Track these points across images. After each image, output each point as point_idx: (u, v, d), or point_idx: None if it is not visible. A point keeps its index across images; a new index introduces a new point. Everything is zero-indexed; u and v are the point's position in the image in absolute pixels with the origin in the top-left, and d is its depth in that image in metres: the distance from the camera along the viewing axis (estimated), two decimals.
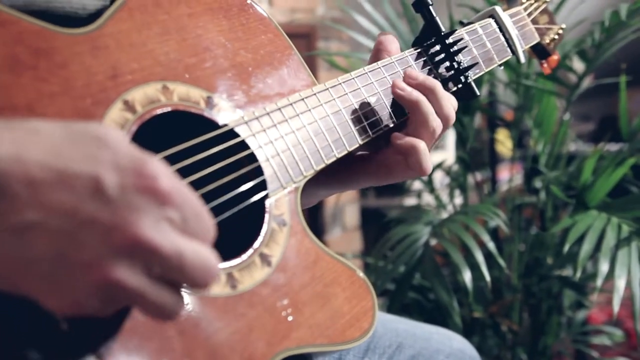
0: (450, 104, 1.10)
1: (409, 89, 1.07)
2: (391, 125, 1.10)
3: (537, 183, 2.64)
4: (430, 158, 1.08)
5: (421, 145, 1.06)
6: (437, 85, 1.09)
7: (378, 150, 1.13)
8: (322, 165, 0.99)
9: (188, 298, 0.76)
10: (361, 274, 0.97)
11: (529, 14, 1.42)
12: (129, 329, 0.70)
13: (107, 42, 0.81)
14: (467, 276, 2.09)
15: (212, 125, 0.89)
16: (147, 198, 0.61)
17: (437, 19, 1.19)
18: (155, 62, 0.85)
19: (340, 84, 1.05)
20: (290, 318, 0.86)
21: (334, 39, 4.01)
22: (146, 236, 0.60)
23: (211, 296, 0.79)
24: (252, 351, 0.80)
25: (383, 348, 1.32)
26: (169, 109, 0.84)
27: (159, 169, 0.63)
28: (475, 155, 2.93)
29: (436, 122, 1.07)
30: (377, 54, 1.17)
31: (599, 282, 1.98)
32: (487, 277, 2.08)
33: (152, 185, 0.61)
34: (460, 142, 2.55)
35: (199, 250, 0.64)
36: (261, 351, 0.81)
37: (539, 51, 1.47)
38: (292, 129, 0.96)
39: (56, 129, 0.61)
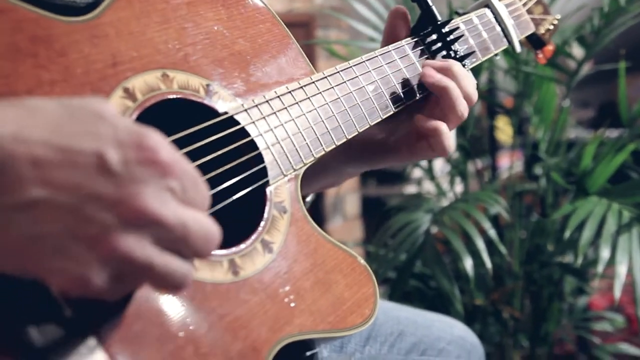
0: (470, 82, 1.12)
1: (438, 75, 1.10)
2: (390, 113, 1.10)
3: (538, 170, 2.65)
4: (453, 137, 1.10)
5: (444, 127, 1.08)
6: (457, 66, 1.11)
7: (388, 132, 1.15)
8: (322, 153, 0.99)
9: (191, 285, 0.77)
10: (362, 261, 0.97)
11: (524, 4, 1.42)
12: (131, 315, 0.70)
13: (107, 31, 0.81)
14: (468, 263, 2.09)
15: (212, 113, 0.89)
16: (149, 170, 0.62)
17: (434, 7, 1.19)
18: (155, 51, 0.85)
19: (338, 72, 1.05)
20: (292, 304, 0.86)
21: (333, 28, 4.00)
22: (151, 207, 0.61)
23: (214, 283, 0.80)
24: (255, 337, 0.80)
25: (385, 336, 1.32)
26: (169, 96, 0.84)
27: (158, 141, 0.63)
28: (476, 143, 2.93)
29: (463, 105, 1.09)
30: (390, 30, 1.18)
31: (600, 268, 1.99)
32: (488, 265, 2.09)
33: (153, 157, 0.62)
34: (460, 129, 2.55)
35: (200, 219, 0.65)
36: (264, 337, 0.81)
37: (534, 41, 1.47)
38: (292, 116, 0.96)
39: (54, 106, 0.62)
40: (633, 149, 2.22)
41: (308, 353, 0.91)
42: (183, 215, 0.63)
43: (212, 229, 0.66)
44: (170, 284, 0.64)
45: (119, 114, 0.64)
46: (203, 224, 0.65)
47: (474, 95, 1.12)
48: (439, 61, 1.13)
